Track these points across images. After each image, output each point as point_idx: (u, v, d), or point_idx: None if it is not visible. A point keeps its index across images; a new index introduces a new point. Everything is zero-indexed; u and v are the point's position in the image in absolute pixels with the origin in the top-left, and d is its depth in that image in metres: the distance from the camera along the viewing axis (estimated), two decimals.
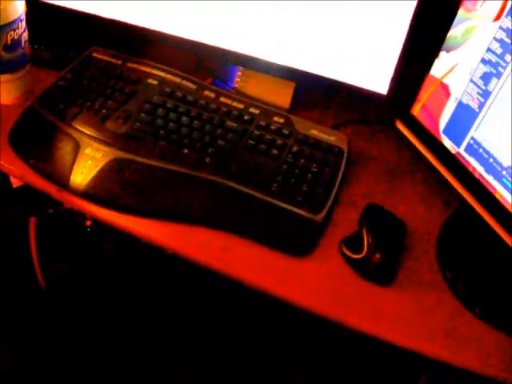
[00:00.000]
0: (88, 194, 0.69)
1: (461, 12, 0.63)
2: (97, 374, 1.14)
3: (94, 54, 0.84)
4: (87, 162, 0.71)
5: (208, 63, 0.87)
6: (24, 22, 0.75)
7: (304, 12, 0.74)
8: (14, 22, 0.72)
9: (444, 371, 0.80)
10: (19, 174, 0.74)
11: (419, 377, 0.89)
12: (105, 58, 0.84)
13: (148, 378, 1.15)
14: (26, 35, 0.76)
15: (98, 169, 0.70)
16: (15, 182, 1.04)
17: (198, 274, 1.20)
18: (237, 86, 0.85)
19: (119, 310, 1.24)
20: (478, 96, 0.63)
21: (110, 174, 0.70)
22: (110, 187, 0.69)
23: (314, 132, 0.77)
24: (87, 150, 0.72)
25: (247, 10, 0.76)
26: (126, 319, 1.22)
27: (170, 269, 1.27)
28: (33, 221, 1.13)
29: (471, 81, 0.63)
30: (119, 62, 0.83)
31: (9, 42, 0.73)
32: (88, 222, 1.33)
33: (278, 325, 1.21)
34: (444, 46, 0.66)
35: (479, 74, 0.62)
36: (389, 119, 0.77)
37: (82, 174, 0.70)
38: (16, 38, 0.74)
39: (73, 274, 1.27)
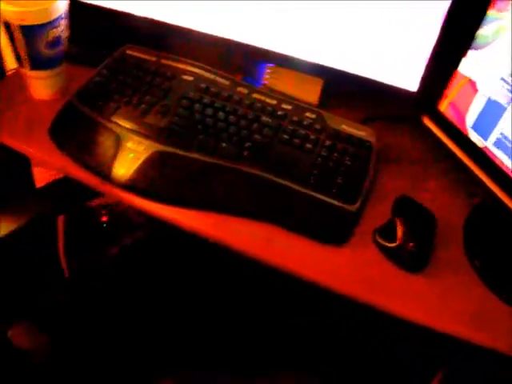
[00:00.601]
0: (131, 186, 0.71)
1: (493, 12, 0.66)
2: (103, 374, 1.15)
3: (128, 51, 0.86)
4: (129, 155, 0.73)
5: (238, 60, 0.89)
6: (65, 20, 0.77)
7: (334, 8, 0.75)
8: (56, 19, 0.75)
9: (461, 368, 0.84)
10: (60, 166, 0.76)
11: (425, 377, 0.92)
12: (139, 54, 0.86)
13: (148, 378, 1.16)
14: (66, 32, 0.78)
15: (140, 161, 0.73)
16: (38, 182, 1.05)
17: (196, 274, 1.22)
18: (266, 82, 0.88)
19: (122, 308, 1.24)
20: (507, 92, 0.66)
21: (152, 166, 0.73)
22: (153, 179, 0.72)
23: (345, 127, 0.80)
24: (129, 144, 0.74)
25: (276, 7, 0.78)
26: (127, 320, 1.22)
27: (171, 272, 1.28)
28: (61, 218, 1.14)
29: (501, 78, 0.66)
30: (153, 59, 0.85)
31: (50, 39, 0.75)
32: (104, 218, 1.35)
33: (279, 325, 1.21)
34: (473, 44, 0.69)
35: (509, 71, 0.65)
36: (415, 114, 0.80)
37: (125, 166, 0.72)
38: (57, 35, 0.76)
39: (94, 268, 1.28)
